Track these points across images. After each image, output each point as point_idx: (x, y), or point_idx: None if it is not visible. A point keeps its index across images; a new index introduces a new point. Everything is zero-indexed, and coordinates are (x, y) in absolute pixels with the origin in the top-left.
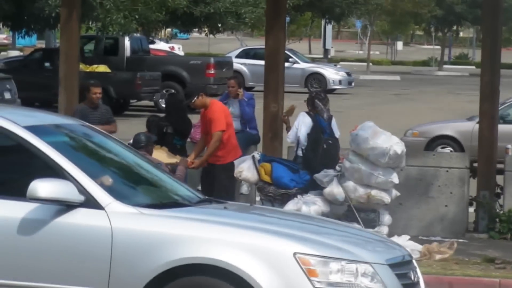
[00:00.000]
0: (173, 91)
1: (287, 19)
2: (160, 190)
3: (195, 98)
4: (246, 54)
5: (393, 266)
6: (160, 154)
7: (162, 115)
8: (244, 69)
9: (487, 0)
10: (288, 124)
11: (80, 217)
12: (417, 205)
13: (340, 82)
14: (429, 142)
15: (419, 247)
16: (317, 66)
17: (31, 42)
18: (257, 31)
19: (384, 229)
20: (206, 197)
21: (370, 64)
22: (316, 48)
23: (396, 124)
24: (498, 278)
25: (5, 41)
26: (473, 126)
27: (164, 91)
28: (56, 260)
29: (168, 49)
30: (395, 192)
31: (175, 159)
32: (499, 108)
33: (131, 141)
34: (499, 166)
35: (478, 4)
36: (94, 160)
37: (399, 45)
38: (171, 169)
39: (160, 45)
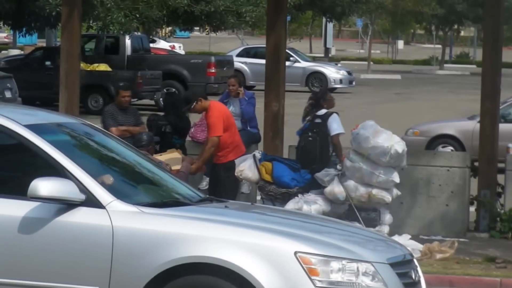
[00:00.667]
0: (173, 90)
1: (288, 17)
2: (161, 189)
3: (194, 104)
4: (247, 53)
5: (394, 265)
6: (172, 157)
7: (159, 114)
8: (245, 68)
9: None
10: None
11: (81, 216)
12: (418, 204)
13: (341, 81)
14: (430, 141)
15: (420, 246)
16: (318, 65)
17: (31, 41)
18: (258, 30)
19: (385, 228)
20: (207, 196)
21: (371, 63)
22: (317, 47)
23: (397, 123)
24: (499, 278)
25: (6, 40)
26: (474, 125)
27: (164, 90)
28: (57, 259)
29: (169, 48)
30: (396, 191)
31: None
32: (500, 107)
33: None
34: (500, 165)
35: (479, 3)
36: (95, 159)
37: (400, 44)
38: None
39: (161, 44)
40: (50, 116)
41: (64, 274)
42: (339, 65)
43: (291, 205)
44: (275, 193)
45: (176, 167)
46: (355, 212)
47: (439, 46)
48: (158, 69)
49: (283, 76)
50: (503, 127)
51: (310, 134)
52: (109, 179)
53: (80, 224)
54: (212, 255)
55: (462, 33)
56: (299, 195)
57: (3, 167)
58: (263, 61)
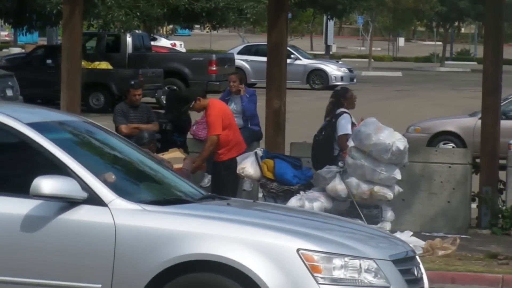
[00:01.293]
0: (175, 87)
1: (289, 15)
2: (163, 186)
3: (193, 103)
4: (248, 50)
5: (396, 262)
6: (174, 156)
7: (160, 112)
8: (246, 65)
9: None
10: None
11: (83, 214)
12: (420, 201)
13: (342, 78)
14: (432, 138)
15: (422, 243)
16: (319, 62)
17: (32, 39)
18: (259, 27)
19: (387, 225)
20: (209, 193)
21: (372, 60)
22: (318, 45)
23: (398, 120)
24: (501, 274)
25: (7, 38)
26: (475, 122)
27: (166, 88)
28: (59, 257)
29: (170, 46)
30: (397, 188)
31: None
32: (501, 104)
33: None
34: (502, 161)
35: (481, 0)
36: (97, 157)
37: (401, 41)
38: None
39: (162, 42)
40: (52, 114)
41: (67, 272)
42: (340, 62)
43: (293, 202)
44: (277, 191)
45: (178, 165)
46: (357, 209)
47: (440, 43)
48: (159, 67)
49: (284, 74)
50: (504, 123)
51: (322, 133)
52: (111, 177)
53: (83, 222)
54: (214, 252)
55: (463, 30)
56: (301, 192)
57: (6, 166)
58: (264, 59)
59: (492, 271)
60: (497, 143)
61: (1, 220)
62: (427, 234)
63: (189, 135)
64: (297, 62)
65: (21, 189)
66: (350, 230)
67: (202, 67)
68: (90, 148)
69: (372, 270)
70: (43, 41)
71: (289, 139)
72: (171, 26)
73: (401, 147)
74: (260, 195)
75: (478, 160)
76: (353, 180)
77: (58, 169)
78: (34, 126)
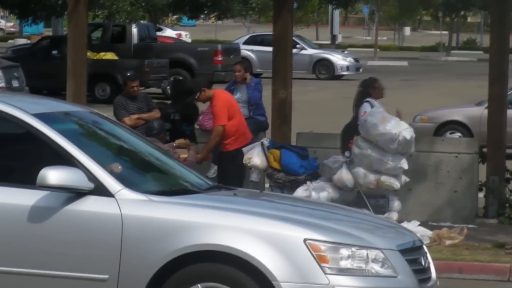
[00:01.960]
0: (181, 78)
1: (294, 5)
2: (169, 177)
3: (198, 94)
4: (253, 40)
5: (403, 251)
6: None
7: (166, 102)
8: (251, 55)
9: None
10: None
11: (90, 205)
12: (427, 190)
13: (347, 68)
14: (438, 128)
15: (429, 232)
16: (324, 52)
17: (38, 30)
18: (264, 17)
19: (394, 215)
20: (216, 184)
21: (378, 50)
22: (324, 34)
23: (404, 110)
24: (508, 264)
25: (12, 29)
26: (482, 111)
27: (171, 78)
28: (66, 247)
29: (175, 36)
30: (404, 178)
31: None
32: (508, 93)
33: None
34: (509, 151)
35: None
36: (103, 147)
37: (407, 30)
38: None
39: (167, 32)
40: (57, 105)
41: (73, 262)
42: (346, 52)
43: (299, 192)
44: (283, 181)
45: (184, 155)
46: (364, 199)
47: (446, 32)
48: (164, 58)
49: (290, 63)
50: (511, 113)
51: (349, 122)
52: (117, 167)
53: (89, 213)
54: (221, 243)
55: (469, 19)
56: (308, 183)
57: (12, 156)
58: (270, 49)
59: (500, 260)
60: (504, 132)
61: (8, 211)
62: (434, 223)
63: (195, 126)
64: (303, 52)
65: (28, 180)
66: (357, 220)
67: (207, 57)
68: (96, 139)
69: (379, 260)
70: (48, 32)
71: (295, 129)
72: (176, 17)
73: (408, 137)
74: (267, 185)
75: (484, 150)
76: (359, 170)
77: (64, 159)
78: (40, 116)
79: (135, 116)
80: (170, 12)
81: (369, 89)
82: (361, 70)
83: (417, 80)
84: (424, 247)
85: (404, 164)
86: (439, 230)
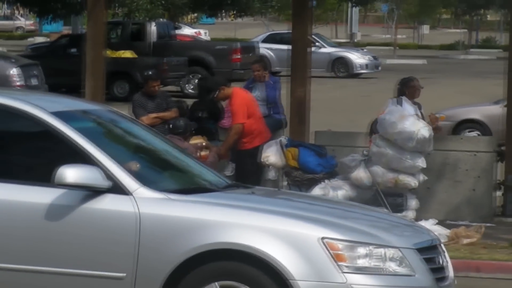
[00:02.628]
0: (200, 76)
1: (313, 3)
2: (187, 175)
3: (217, 93)
4: (272, 38)
5: (421, 250)
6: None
7: (185, 100)
8: (270, 53)
9: None
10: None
11: (107, 203)
12: (444, 189)
13: (366, 66)
14: (456, 126)
15: (446, 231)
16: (343, 50)
17: (57, 28)
18: (283, 15)
19: (411, 214)
20: (234, 182)
21: (397, 48)
22: (342, 33)
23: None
24: None
25: (32, 27)
26: (500, 109)
27: (190, 76)
28: (83, 246)
29: (194, 34)
30: (422, 176)
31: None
32: None
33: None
34: None
35: None
36: (121, 145)
37: (426, 28)
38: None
39: (186, 30)
40: (76, 103)
41: (91, 261)
42: (364, 50)
43: (317, 190)
44: (301, 179)
45: (205, 153)
46: (381, 198)
47: (465, 30)
48: (183, 56)
49: (308, 62)
50: None
51: None
52: (135, 165)
53: (107, 211)
54: (238, 241)
55: (488, 17)
56: (325, 181)
57: (30, 154)
58: (288, 47)
59: None
60: None
61: (25, 209)
62: (452, 222)
63: None
64: (322, 50)
65: (46, 178)
66: (374, 218)
67: (226, 55)
68: (114, 137)
69: (397, 258)
70: (67, 30)
71: (313, 127)
72: (195, 15)
73: (426, 135)
74: (285, 183)
75: (503, 148)
76: (377, 169)
77: (82, 158)
78: (59, 115)
79: (153, 115)
80: (190, 10)
81: (404, 88)
82: (379, 68)
83: (436, 78)
84: (442, 245)
85: (422, 163)
86: (457, 228)
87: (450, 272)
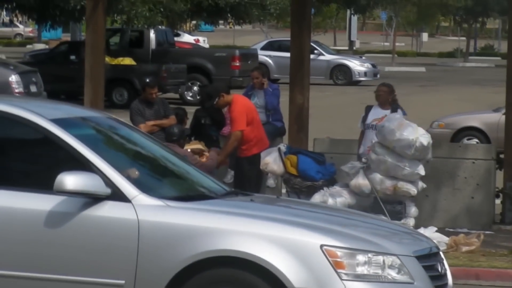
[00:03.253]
0: (199, 83)
1: (312, 10)
2: (186, 182)
3: (217, 100)
4: (271, 46)
5: (420, 258)
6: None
7: (184, 107)
8: (269, 61)
9: None
10: None
11: (107, 210)
12: (444, 196)
13: (365, 73)
14: (455, 134)
15: (445, 239)
16: (342, 58)
17: (56, 35)
18: (282, 22)
19: (411, 221)
20: (233, 189)
21: (395, 55)
22: (341, 40)
23: (421, 116)
24: None
25: (31, 34)
26: (499, 117)
27: (189, 84)
28: (82, 252)
29: (193, 42)
30: (421, 184)
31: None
32: None
33: None
34: None
35: None
36: (120, 152)
37: (424, 36)
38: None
39: (185, 38)
40: (75, 110)
41: (90, 268)
42: (363, 58)
43: (316, 198)
44: (300, 186)
45: (202, 158)
46: (381, 205)
47: (464, 38)
48: (182, 63)
49: (307, 69)
50: None
51: None
52: (134, 172)
53: (106, 218)
54: (238, 248)
55: (487, 25)
56: (325, 188)
57: (29, 161)
58: (287, 54)
59: None
60: None
61: (25, 216)
62: (451, 230)
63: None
64: (320, 57)
65: (45, 185)
66: (374, 226)
67: (225, 62)
68: (113, 144)
69: (396, 266)
70: (66, 37)
71: (312, 135)
72: (194, 22)
73: (425, 143)
74: (284, 191)
75: (502, 156)
76: (376, 176)
77: (81, 165)
78: (58, 122)
79: (151, 122)
80: (188, 18)
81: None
82: (378, 76)
83: (435, 86)
84: (441, 253)
85: (421, 170)
86: (456, 236)
87: (449, 280)
